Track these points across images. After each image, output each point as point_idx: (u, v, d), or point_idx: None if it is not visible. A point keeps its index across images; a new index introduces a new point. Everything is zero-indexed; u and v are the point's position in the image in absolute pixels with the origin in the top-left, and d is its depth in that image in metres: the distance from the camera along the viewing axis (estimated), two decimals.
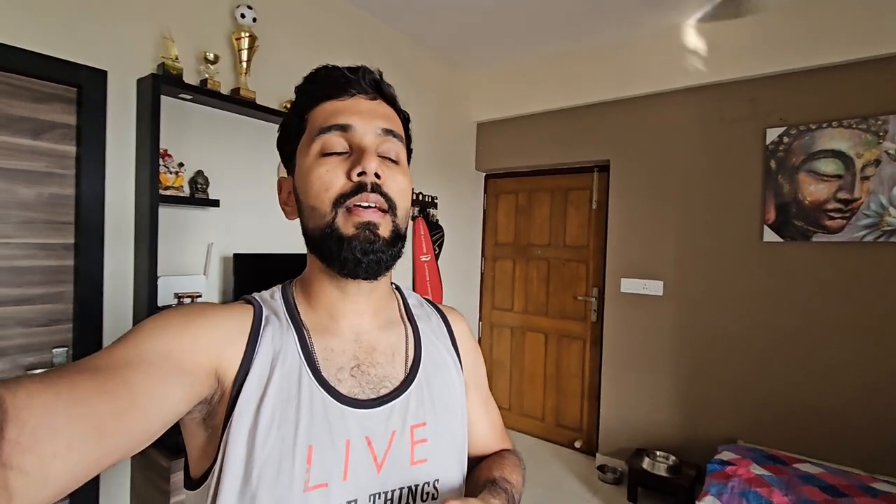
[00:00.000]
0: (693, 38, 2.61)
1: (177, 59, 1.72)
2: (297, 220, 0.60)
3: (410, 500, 0.54)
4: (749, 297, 2.50)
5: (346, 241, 0.52)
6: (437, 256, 3.17)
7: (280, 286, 0.61)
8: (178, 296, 1.78)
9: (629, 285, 2.89)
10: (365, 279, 0.55)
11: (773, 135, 2.41)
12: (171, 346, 0.46)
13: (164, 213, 1.78)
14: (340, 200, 0.52)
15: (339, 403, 0.52)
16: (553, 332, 3.36)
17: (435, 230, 3.16)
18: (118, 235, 1.69)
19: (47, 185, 1.56)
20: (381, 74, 0.59)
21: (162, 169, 1.74)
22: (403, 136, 0.60)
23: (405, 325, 0.64)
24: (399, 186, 0.55)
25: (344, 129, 0.54)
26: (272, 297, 0.59)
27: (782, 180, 2.38)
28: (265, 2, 2.10)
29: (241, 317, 0.54)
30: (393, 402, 0.55)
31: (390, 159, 0.56)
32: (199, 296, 1.82)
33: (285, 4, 2.21)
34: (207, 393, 0.49)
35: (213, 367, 0.48)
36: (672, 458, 2.61)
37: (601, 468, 2.88)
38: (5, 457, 0.31)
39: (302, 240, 0.58)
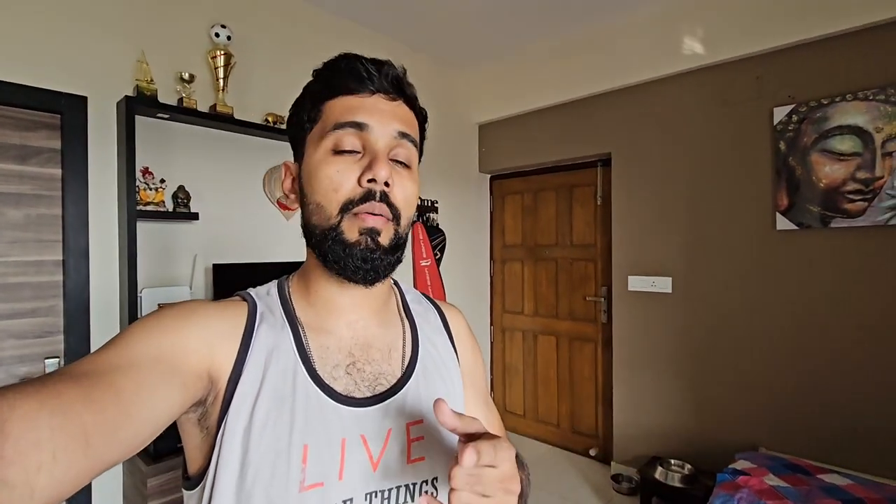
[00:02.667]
0: (689, 19, 2.45)
1: (151, 80, 1.81)
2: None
3: (408, 499, 0.53)
4: (765, 291, 2.30)
5: (349, 246, 0.52)
6: (438, 261, 3.14)
7: (276, 281, 0.61)
8: (161, 307, 1.85)
9: (637, 283, 2.73)
10: (362, 284, 0.54)
11: (780, 114, 2.22)
12: (162, 348, 0.45)
13: (148, 227, 1.86)
14: (348, 206, 0.52)
15: (333, 402, 0.52)
16: (564, 335, 3.24)
17: (435, 234, 3.14)
18: (103, 251, 1.79)
19: (35, 207, 1.68)
20: (404, 72, 0.57)
21: (143, 186, 1.82)
22: (418, 139, 0.59)
23: (403, 321, 0.64)
24: (406, 194, 0.55)
25: (360, 127, 0.52)
26: (268, 293, 0.59)
27: (794, 163, 2.18)
28: (242, 20, 2.17)
29: (234, 314, 0.53)
30: (389, 400, 0.55)
31: (401, 163, 0.55)
32: None
33: (262, 22, 2.28)
34: (201, 394, 0.48)
35: (206, 368, 0.48)
36: (688, 466, 2.43)
37: (615, 478, 2.73)
38: None
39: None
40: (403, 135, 0.54)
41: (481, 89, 3.41)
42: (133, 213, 1.72)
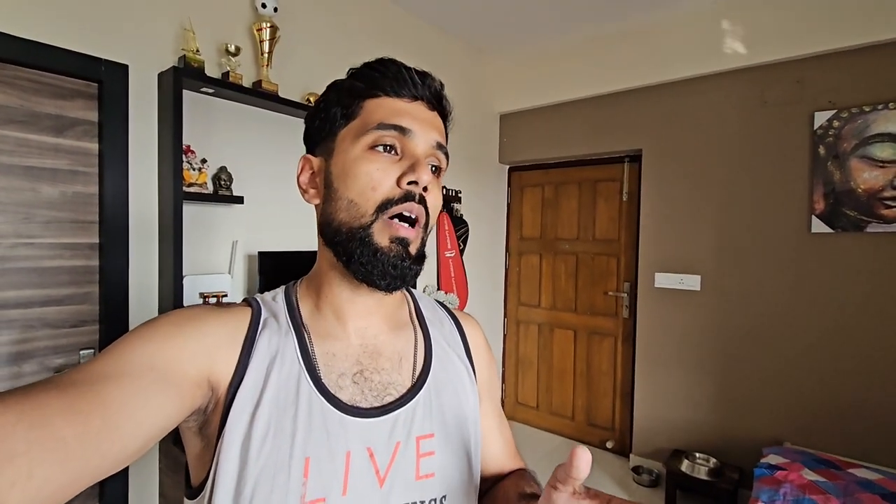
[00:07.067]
0: (732, 18, 2.46)
1: (198, 51, 1.67)
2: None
3: None
4: (796, 292, 2.36)
5: (379, 252, 0.50)
6: (461, 252, 3.09)
7: (284, 287, 0.59)
8: (203, 295, 1.74)
9: (664, 280, 2.76)
10: (384, 290, 0.53)
11: (821, 119, 2.26)
12: (156, 356, 0.43)
13: (188, 210, 1.73)
14: (385, 206, 0.50)
15: (338, 412, 0.49)
16: (582, 329, 3.26)
17: (459, 225, 3.08)
18: (143, 234, 1.66)
19: (71, 184, 1.53)
20: (442, 86, 0.58)
21: (185, 165, 1.69)
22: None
23: (415, 329, 0.61)
24: (435, 202, 0.55)
25: (403, 131, 0.52)
26: (273, 299, 0.57)
27: (832, 167, 2.23)
28: None
29: (235, 320, 0.51)
30: (398, 412, 0.52)
31: (434, 174, 0.55)
32: (225, 295, 1.78)
33: None
34: (200, 402, 0.46)
35: (205, 376, 0.46)
36: (713, 460, 2.49)
37: (636, 469, 2.77)
38: None
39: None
40: (440, 145, 0.55)
41: (507, 78, 3.34)
42: (180, 193, 1.60)
